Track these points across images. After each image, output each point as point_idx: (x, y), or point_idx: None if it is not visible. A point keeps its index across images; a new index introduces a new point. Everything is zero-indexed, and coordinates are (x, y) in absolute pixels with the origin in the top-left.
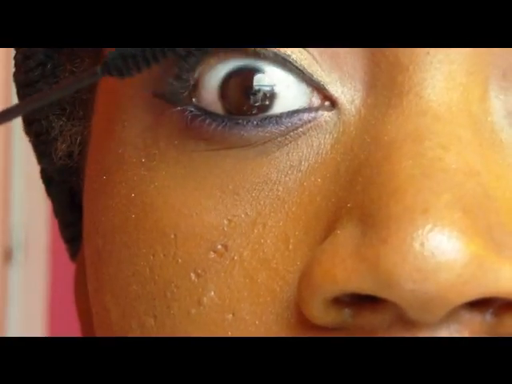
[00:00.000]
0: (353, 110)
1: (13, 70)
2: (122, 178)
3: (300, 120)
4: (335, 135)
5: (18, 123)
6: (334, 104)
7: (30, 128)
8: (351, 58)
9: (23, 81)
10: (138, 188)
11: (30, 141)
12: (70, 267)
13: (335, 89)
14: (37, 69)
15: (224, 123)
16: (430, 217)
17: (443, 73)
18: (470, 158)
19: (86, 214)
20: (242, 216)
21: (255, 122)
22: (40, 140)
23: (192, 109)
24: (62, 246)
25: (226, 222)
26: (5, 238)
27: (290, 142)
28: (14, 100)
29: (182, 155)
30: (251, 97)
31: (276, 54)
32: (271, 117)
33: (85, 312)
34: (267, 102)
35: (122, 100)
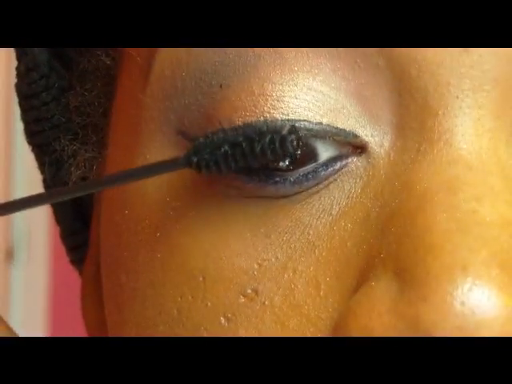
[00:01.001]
0: (382, 153)
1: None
2: (146, 216)
3: (334, 170)
4: (365, 179)
5: (18, 122)
6: (363, 148)
7: (40, 151)
8: (378, 99)
9: (26, 92)
10: (163, 227)
11: (39, 164)
12: (71, 267)
13: (365, 133)
14: (40, 81)
15: (261, 182)
16: (469, 275)
17: (472, 118)
18: (502, 209)
19: (104, 245)
20: (273, 260)
21: (292, 180)
22: (50, 163)
23: None
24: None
25: (256, 266)
26: (7, 237)
27: (322, 189)
28: (15, 103)
29: (211, 199)
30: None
31: (309, 122)
32: (307, 173)
33: (93, 325)
34: (299, 152)
35: (143, 133)
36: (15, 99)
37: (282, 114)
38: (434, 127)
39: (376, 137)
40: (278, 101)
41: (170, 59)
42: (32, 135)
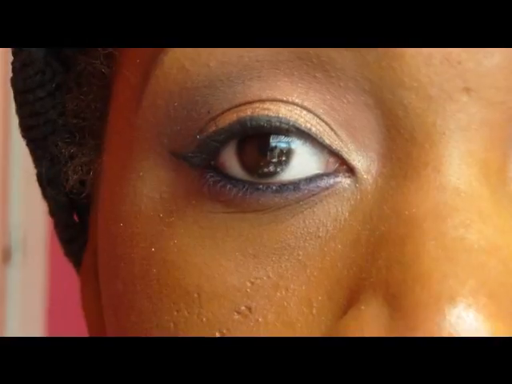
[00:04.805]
0: (369, 179)
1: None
2: (141, 230)
3: (317, 187)
4: (352, 202)
5: (16, 123)
6: (350, 171)
7: (34, 145)
8: (367, 130)
9: (21, 87)
10: (157, 243)
11: (33, 158)
12: (68, 267)
13: (352, 157)
14: (35, 76)
15: (245, 189)
16: (457, 305)
17: (461, 151)
18: (490, 234)
19: (101, 252)
20: (264, 278)
21: (274, 188)
22: (44, 158)
23: (212, 173)
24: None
25: (248, 284)
26: (3, 238)
27: (306, 210)
28: (12, 101)
29: (200, 215)
30: (268, 153)
31: (297, 128)
32: (290, 183)
33: (93, 313)
34: (284, 158)
35: (136, 150)
36: (12, 97)
37: (274, 116)
38: (420, 157)
39: (363, 163)
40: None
41: (162, 90)
42: (26, 129)
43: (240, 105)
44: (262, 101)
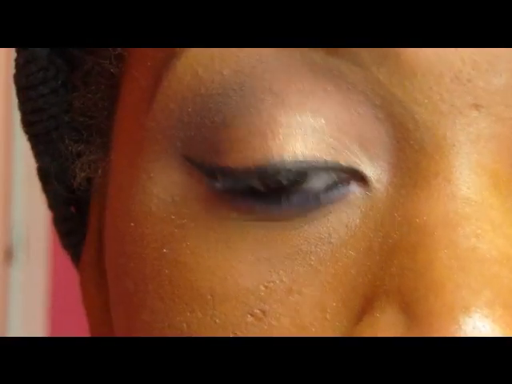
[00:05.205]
0: (380, 187)
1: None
2: (151, 231)
3: (332, 196)
4: (364, 210)
5: (18, 122)
6: (362, 180)
7: (36, 140)
8: (377, 141)
9: (24, 84)
10: (169, 244)
11: (34, 153)
12: (71, 266)
13: (363, 167)
14: (38, 73)
15: (266, 201)
16: (471, 315)
17: (471, 161)
18: (501, 244)
19: (109, 250)
20: (277, 282)
21: (295, 200)
22: (46, 153)
23: (228, 182)
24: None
25: (262, 287)
26: (5, 237)
27: (319, 217)
28: (14, 100)
29: (213, 220)
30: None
31: (316, 162)
32: (310, 194)
33: (96, 309)
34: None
35: (147, 151)
36: (14, 96)
37: (289, 155)
38: (430, 167)
39: (374, 172)
40: (283, 139)
41: (174, 95)
42: (29, 125)
43: (254, 133)
44: (277, 134)
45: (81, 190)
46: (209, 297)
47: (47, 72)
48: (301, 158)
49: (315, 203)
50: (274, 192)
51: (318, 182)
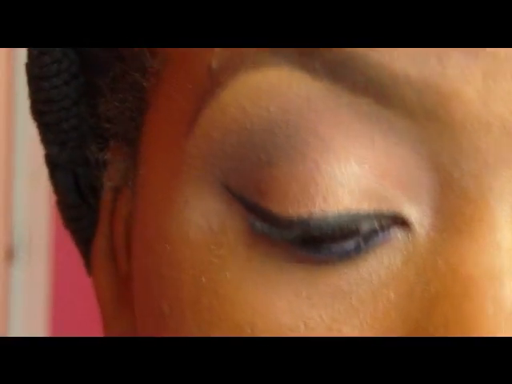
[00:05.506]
0: (422, 231)
1: (14, 70)
2: (189, 257)
3: (374, 243)
4: (405, 253)
5: (19, 121)
6: (404, 224)
7: (46, 129)
8: (421, 187)
9: (37, 74)
10: (207, 273)
11: (42, 140)
12: (73, 266)
13: (406, 211)
14: (52, 65)
15: (309, 253)
16: None
17: None
18: None
19: (141, 267)
20: (317, 320)
21: (337, 253)
22: (55, 142)
23: (268, 226)
24: (66, 245)
25: (302, 325)
26: (7, 237)
27: (360, 260)
28: (15, 99)
29: (252, 255)
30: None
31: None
32: (350, 240)
33: (108, 301)
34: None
35: (185, 175)
36: (15, 95)
37: (333, 210)
38: (474, 214)
39: (416, 216)
40: (327, 191)
41: (217, 124)
42: (39, 114)
43: (298, 178)
44: (320, 186)
45: (109, 200)
46: (248, 330)
47: (61, 64)
48: (344, 212)
49: (356, 249)
50: (315, 241)
51: (359, 230)
